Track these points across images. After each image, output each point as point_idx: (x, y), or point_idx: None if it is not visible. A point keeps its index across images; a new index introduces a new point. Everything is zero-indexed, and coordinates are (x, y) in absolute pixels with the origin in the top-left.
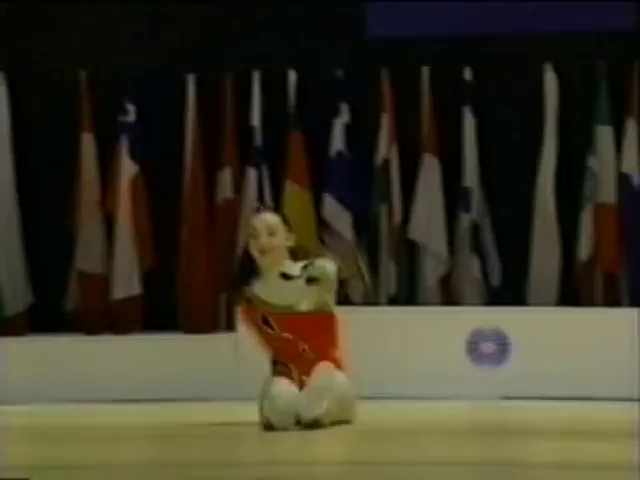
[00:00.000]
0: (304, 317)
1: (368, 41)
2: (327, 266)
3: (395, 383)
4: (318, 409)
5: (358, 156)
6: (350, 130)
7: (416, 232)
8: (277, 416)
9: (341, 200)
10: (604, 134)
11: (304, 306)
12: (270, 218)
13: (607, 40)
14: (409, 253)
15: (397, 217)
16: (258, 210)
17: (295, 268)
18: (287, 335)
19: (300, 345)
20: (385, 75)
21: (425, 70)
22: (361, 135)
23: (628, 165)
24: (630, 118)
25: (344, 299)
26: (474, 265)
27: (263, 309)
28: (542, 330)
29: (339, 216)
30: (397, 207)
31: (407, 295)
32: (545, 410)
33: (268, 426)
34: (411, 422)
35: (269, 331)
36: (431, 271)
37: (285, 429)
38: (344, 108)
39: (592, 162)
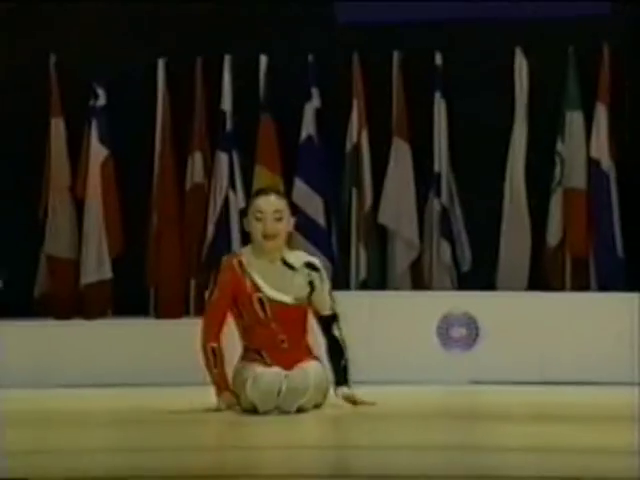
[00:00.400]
0: (292, 309)
1: (339, 26)
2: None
3: (365, 368)
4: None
5: (329, 141)
6: (321, 115)
7: (386, 217)
8: (260, 396)
9: (312, 185)
10: (574, 119)
11: (296, 300)
12: (278, 202)
13: (577, 25)
14: (379, 238)
15: (368, 202)
16: (261, 192)
17: (295, 258)
18: (274, 324)
19: (280, 336)
20: (356, 60)
21: (396, 55)
22: (332, 120)
23: (597, 150)
24: (600, 103)
25: None
26: (444, 250)
27: (256, 291)
28: (511, 315)
29: (310, 201)
30: (368, 192)
31: (377, 280)
32: (514, 395)
33: (250, 409)
34: (381, 406)
35: (260, 315)
36: (401, 256)
37: (267, 412)
38: (315, 93)
39: (562, 147)
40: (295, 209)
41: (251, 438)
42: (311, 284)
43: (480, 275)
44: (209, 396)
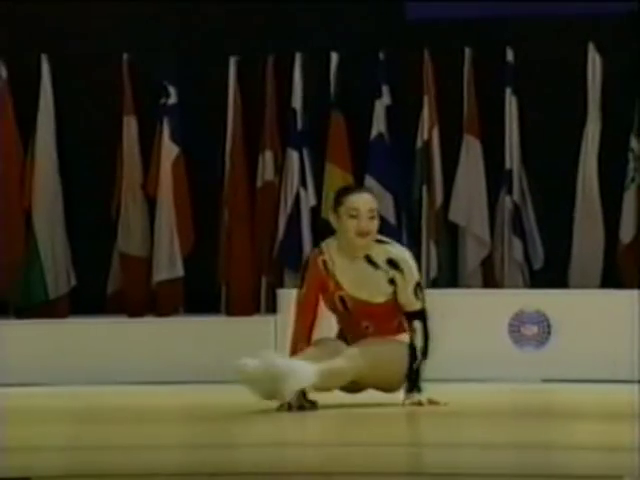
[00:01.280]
0: (375, 305)
1: (409, 22)
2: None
3: (437, 365)
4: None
5: (399, 138)
6: (391, 112)
7: (457, 214)
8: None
9: (382, 182)
10: None
11: (380, 299)
12: (371, 201)
13: None
14: (450, 235)
15: (438, 199)
16: (353, 190)
17: (378, 254)
18: (357, 315)
19: (363, 323)
20: (426, 57)
21: (467, 51)
22: (402, 117)
23: None
24: None
25: None
26: (516, 247)
27: (338, 289)
28: (584, 313)
29: (381, 198)
30: (438, 189)
31: (449, 277)
32: (587, 393)
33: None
34: (453, 404)
35: (340, 308)
36: (473, 254)
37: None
38: (385, 90)
39: (635, 144)
40: None
41: (325, 435)
42: (392, 282)
43: (552, 273)
44: None
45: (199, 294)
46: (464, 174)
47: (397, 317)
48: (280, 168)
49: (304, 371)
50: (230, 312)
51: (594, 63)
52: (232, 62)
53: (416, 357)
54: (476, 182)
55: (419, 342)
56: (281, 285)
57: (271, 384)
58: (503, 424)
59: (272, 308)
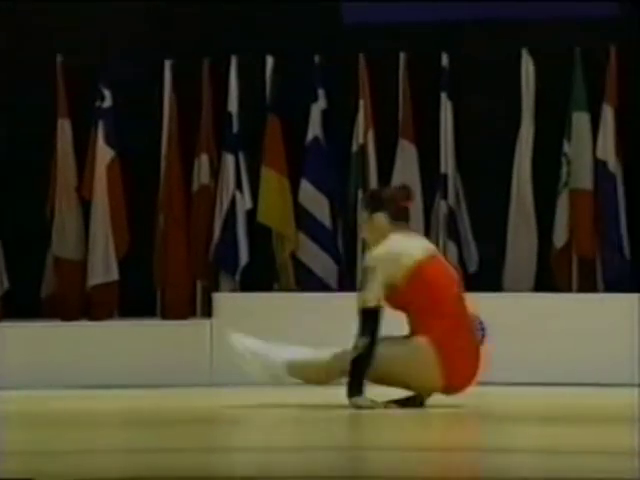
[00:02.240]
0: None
1: (345, 26)
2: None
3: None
4: None
5: (335, 142)
6: (327, 116)
7: None
8: None
9: (318, 186)
10: (580, 120)
11: None
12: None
13: (584, 26)
14: None
15: None
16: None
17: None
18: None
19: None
20: (362, 61)
21: (402, 56)
22: (338, 121)
23: (604, 151)
24: (606, 104)
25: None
26: (451, 251)
27: None
28: (518, 316)
29: (316, 202)
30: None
31: None
32: (521, 396)
33: None
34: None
35: None
36: None
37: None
38: (321, 93)
39: (568, 148)
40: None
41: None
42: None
43: (487, 276)
44: (213, 397)
45: (134, 298)
46: (399, 178)
47: (410, 317)
48: (216, 171)
49: (272, 358)
50: (165, 316)
51: (527, 68)
52: (167, 65)
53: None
54: (411, 186)
55: (355, 340)
56: (216, 289)
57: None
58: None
59: (208, 312)
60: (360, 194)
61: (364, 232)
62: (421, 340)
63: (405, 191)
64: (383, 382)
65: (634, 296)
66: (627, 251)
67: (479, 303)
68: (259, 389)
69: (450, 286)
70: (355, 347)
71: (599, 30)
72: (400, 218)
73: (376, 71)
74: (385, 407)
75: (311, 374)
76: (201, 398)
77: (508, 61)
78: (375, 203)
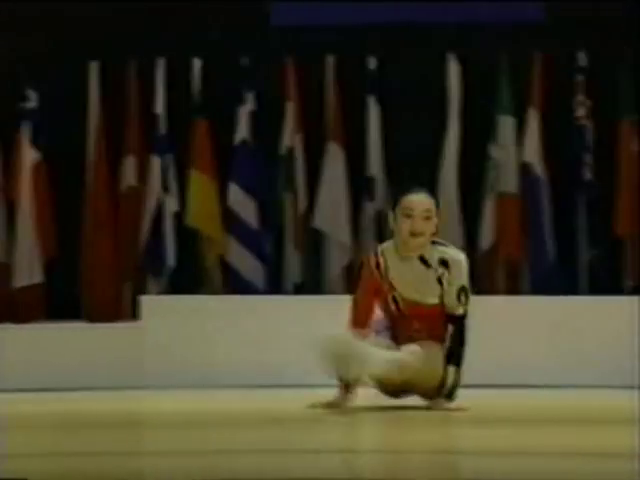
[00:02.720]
0: (427, 306)
1: (273, 29)
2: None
3: (303, 370)
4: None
5: (263, 144)
6: (255, 118)
7: (321, 221)
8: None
9: (246, 188)
10: (506, 124)
11: (432, 300)
12: (428, 201)
13: (509, 31)
14: (314, 242)
15: (302, 206)
16: (412, 190)
17: (432, 254)
18: (409, 317)
19: (415, 325)
20: (290, 63)
21: (330, 58)
22: (266, 123)
23: (529, 155)
24: (531, 108)
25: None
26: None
27: (392, 290)
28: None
29: (244, 204)
30: (302, 196)
31: (312, 284)
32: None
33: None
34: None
35: (392, 308)
36: (336, 259)
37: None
38: (249, 96)
39: (494, 152)
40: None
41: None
42: (439, 281)
43: None
44: (143, 399)
45: (60, 300)
46: (327, 181)
47: (430, 323)
48: (143, 174)
49: (377, 356)
50: (92, 318)
51: (454, 71)
52: (94, 67)
53: (448, 361)
54: (339, 189)
55: (447, 345)
56: (144, 291)
57: (345, 363)
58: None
59: (134, 314)
60: (288, 197)
61: (432, 228)
62: (437, 346)
63: None
64: (405, 386)
65: (559, 298)
66: (553, 254)
67: None
68: (190, 391)
69: None
70: (450, 354)
71: (524, 34)
72: None
73: (304, 73)
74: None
75: (403, 374)
76: (130, 401)
77: (435, 65)
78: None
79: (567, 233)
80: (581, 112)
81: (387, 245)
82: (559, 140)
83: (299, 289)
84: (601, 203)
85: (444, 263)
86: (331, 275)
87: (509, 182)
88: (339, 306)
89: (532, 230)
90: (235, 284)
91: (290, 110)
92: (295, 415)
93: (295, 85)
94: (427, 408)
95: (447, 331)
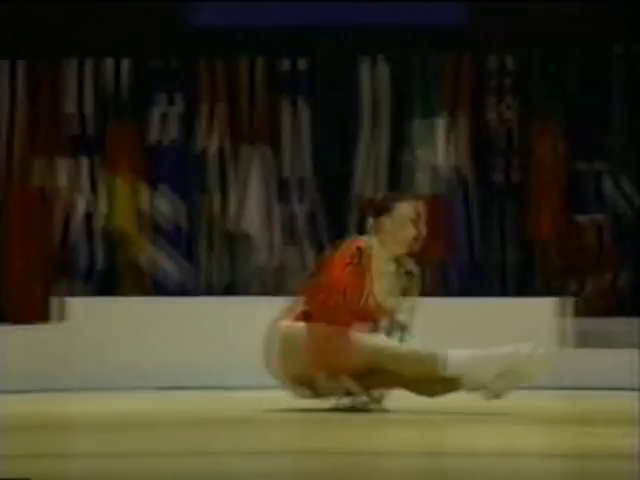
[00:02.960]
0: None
1: (190, 29)
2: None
3: (218, 371)
4: None
5: (182, 145)
6: (181, 119)
7: (250, 223)
8: None
9: (172, 190)
10: (432, 126)
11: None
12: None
13: (427, 33)
14: (243, 243)
15: (228, 207)
16: (408, 195)
17: (407, 262)
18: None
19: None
20: (218, 65)
21: (246, 59)
22: (192, 124)
23: (455, 157)
24: (457, 110)
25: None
26: (309, 256)
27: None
28: None
29: (173, 206)
30: (228, 197)
31: (235, 285)
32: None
33: None
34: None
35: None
36: (265, 262)
37: None
38: (178, 98)
39: (415, 153)
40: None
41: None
42: (404, 293)
43: None
44: (66, 401)
45: None
46: (256, 182)
47: None
48: (61, 175)
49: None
50: (12, 320)
51: (372, 74)
52: (5, 66)
53: None
54: (262, 190)
55: None
56: (60, 293)
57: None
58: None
59: (48, 316)
60: (213, 198)
61: (425, 233)
62: None
63: None
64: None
65: (480, 300)
66: (478, 256)
67: None
68: (115, 393)
69: None
70: None
71: (443, 36)
72: None
73: (225, 74)
74: None
75: None
76: (51, 403)
77: (361, 66)
78: None
79: (492, 234)
80: (506, 114)
81: (370, 243)
82: (485, 142)
83: (225, 290)
84: (526, 205)
85: (409, 274)
86: (260, 277)
87: (433, 184)
88: (255, 307)
89: (456, 232)
90: (164, 285)
91: (207, 111)
92: (215, 416)
93: (212, 86)
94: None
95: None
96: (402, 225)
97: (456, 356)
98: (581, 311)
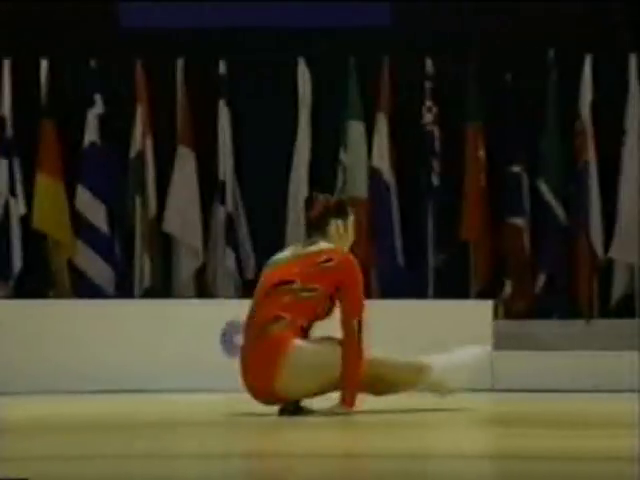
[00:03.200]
0: None
1: (122, 30)
2: None
3: (152, 376)
4: None
5: (112, 147)
6: (104, 121)
7: (171, 225)
8: None
9: (95, 192)
10: (355, 129)
11: None
12: None
13: (357, 36)
14: (164, 246)
15: (152, 209)
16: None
17: None
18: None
19: None
20: (139, 66)
21: (180, 62)
22: (116, 126)
23: (378, 160)
24: (380, 113)
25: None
26: (229, 258)
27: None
28: None
29: (93, 208)
30: (152, 199)
31: (162, 288)
32: None
33: None
34: (162, 414)
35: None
36: (186, 264)
37: None
38: (98, 98)
39: (344, 156)
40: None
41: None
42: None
43: None
44: None
45: None
46: (178, 184)
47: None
48: None
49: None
50: None
51: (304, 76)
52: None
53: None
54: (190, 192)
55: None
56: None
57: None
58: (215, 433)
59: None
60: (138, 201)
61: (352, 236)
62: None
63: None
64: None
65: (407, 302)
66: (401, 258)
67: None
68: (40, 396)
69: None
70: None
71: (373, 39)
72: None
73: (154, 76)
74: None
75: None
76: None
77: (285, 69)
78: None
79: (415, 238)
80: (428, 118)
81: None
82: (407, 145)
83: (149, 293)
84: (448, 208)
85: None
86: (181, 279)
87: (358, 186)
88: (188, 310)
89: (381, 234)
90: (84, 288)
91: (140, 113)
92: (141, 420)
93: (145, 88)
94: (333, 414)
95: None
96: (352, 230)
97: (437, 363)
98: (502, 314)
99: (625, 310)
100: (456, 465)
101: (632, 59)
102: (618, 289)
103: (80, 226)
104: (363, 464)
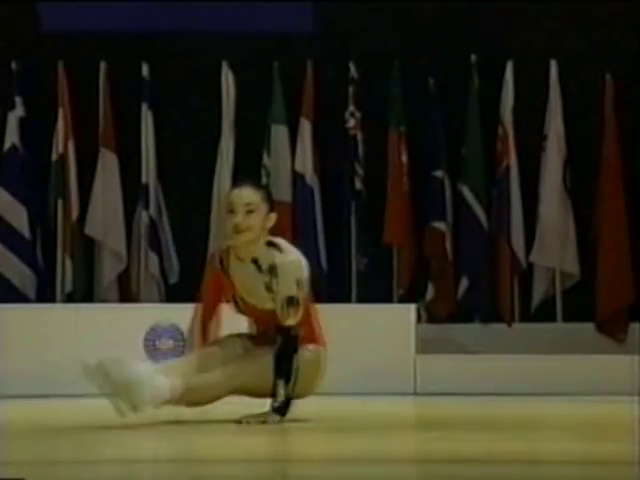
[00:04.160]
0: (264, 311)
1: (44, 33)
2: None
3: (71, 380)
4: None
5: (33, 150)
6: (25, 124)
7: (93, 228)
8: None
9: (16, 195)
10: (279, 133)
11: (268, 305)
12: (250, 194)
13: (281, 41)
14: (86, 249)
15: (74, 213)
16: (237, 184)
17: (266, 258)
18: (253, 318)
19: (259, 326)
20: (61, 69)
21: (102, 65)
22: (37, 129)
23: (302, 164)
24: (303, 118)
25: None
26: (152, 262)
27: (233, 289)
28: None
29: (14, 211)
30: (74, 203)
31: (84, 292)
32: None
33: None
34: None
35: (237, 309)
36: (109, 268)
37: None
38: (18, 101)
39: (267, 160)
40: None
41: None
42: (269, 289)
43: (187, 287)
44: None
45: None
46: (100, 188)
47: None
48: None
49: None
50: None
51: (227, 80)
52: None
53: (276, 374)
54: (112, 196)
55: (275, 357)
56: None
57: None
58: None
59: None
60: (60, 204)
61: (259, 222)
62: (268, 356)
63: None
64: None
65: (332, 306)
66: (324, 262)
67: (180, 314)
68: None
69: None
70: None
71: (297, 44)
72: None
73: (76, 80)
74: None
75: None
76: None
77: (209, 72)
78: (271, 203)
79: (338, 242)
80: (352, 122)
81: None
82: (330, 150)
83: (71, 297)
84: (371, 212)
85: (272, 269)
86: (104, 283)
87: (282, 190)
88: (110, 314)
89: (304, 238)
90: (5, 292)
91: (62, 116)
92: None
93: (67, 91)
94: (262, 422)
95: (276, 342)
96: (224, 217)
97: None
98: (425, 317)
99: (545, 314)
100: (379, 470)
101: (553, 65)
102: (539, 293)
103: (0, 230)
104: (286, 469)
